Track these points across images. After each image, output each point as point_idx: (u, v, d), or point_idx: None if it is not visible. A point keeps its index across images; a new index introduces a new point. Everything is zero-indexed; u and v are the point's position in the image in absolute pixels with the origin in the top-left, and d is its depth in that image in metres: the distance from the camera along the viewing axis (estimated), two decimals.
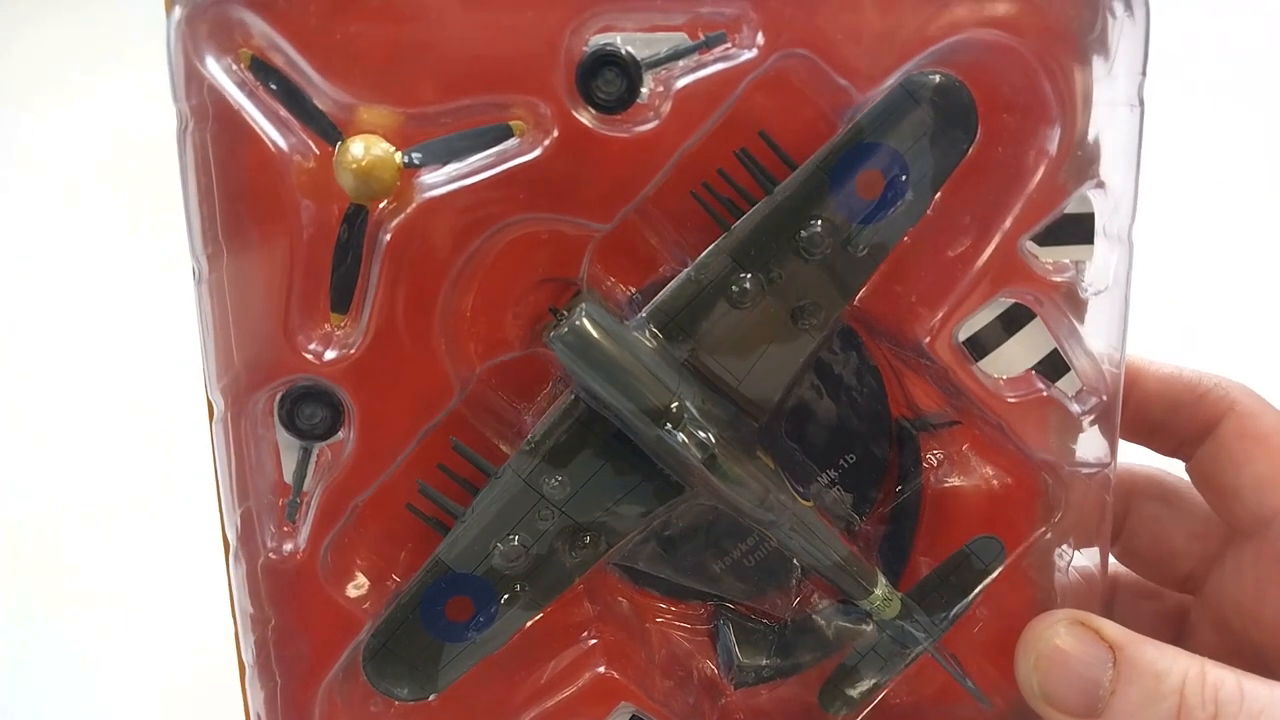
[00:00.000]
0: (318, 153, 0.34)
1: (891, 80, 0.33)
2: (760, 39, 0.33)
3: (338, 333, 0.35)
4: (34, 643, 0.73)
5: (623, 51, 0.33)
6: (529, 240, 0.35)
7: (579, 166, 0.33)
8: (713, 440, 0.35)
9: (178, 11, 0.32)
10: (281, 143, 0.33)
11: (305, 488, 0.36)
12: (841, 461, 0.39)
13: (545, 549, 0.36)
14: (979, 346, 0.36)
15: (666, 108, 0.33)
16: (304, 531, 0.36)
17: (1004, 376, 0.37)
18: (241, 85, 0.33)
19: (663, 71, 0.34)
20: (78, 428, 0.81)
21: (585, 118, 0.33)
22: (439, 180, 0.34)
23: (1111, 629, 0.35)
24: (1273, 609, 0.37)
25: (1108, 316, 0.35)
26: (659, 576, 0.40)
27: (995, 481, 0.39)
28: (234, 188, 0.34)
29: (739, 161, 0.35)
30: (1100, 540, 0.38)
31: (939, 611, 0.39)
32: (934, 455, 0.40)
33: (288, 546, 0.36)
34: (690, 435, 0.35)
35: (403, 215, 0.34)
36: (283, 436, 0.36)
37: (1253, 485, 0.37)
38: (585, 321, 0.34)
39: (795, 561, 0.39)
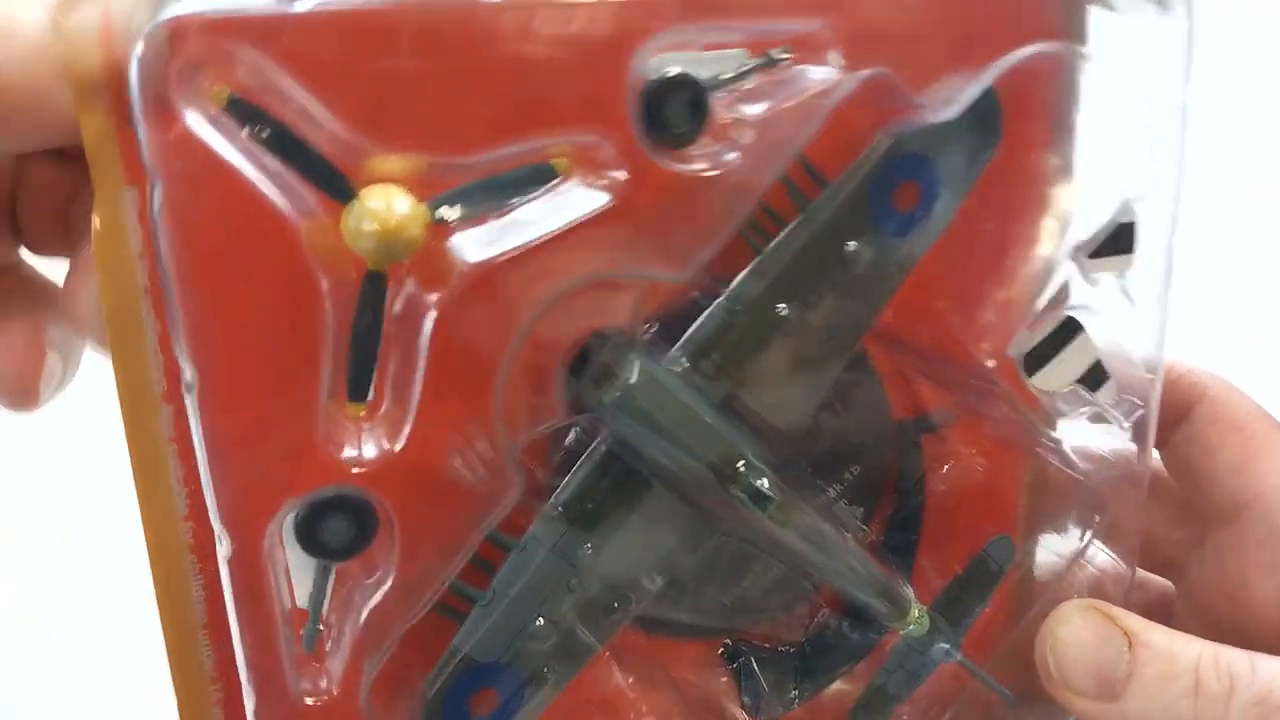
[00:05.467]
0: (322, 211, 0.27)
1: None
2: (839, 58, 0.29)
3: (364, 429, 0.28)
4: None
5: (690, 76, 0.29)
6: (574, 295, 0.30)
7: (658, 210, 0.29)
8: (776, 493, 0.33)
9: (140, 47, 0.24)
10: (280, 202, 0.26)
11: (324, 612, 0.30)
12: (846, 475, 0.37)
13: (574, 621, 0.33)
14: (1030, 363, 0.35)
15: (747, 137, 0.29)
16: (336, 665, 0.30)
17: (1052, 390, 0.36)
18: (224, 134, 0.26)
19: (726, 95, 0.29)
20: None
21: (657, 154, 0.29)
22: (480, 238, 0.28)
23: (1126, 616, 0.36)
24: (1257, 593, 0.38)
25: (1146, 325, 0.35)
26: (673, 621, 0.37)
27: (1003, 481, 0.38)
28: (221, 263, 0.26)
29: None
30: (1129, 537, 0.38)
31: (964, 618, 0.38)
32: (937, 457, 0.39)
33: (322, 683, 0.30)
34: (756, 491, 0.32)
35: (450, 288, 0.28)
36: (295, 555, 0.29)
37: (1228, 470, 0.38)
38: (639, 378, 0.31)
39: (807, 584, 0.37)
